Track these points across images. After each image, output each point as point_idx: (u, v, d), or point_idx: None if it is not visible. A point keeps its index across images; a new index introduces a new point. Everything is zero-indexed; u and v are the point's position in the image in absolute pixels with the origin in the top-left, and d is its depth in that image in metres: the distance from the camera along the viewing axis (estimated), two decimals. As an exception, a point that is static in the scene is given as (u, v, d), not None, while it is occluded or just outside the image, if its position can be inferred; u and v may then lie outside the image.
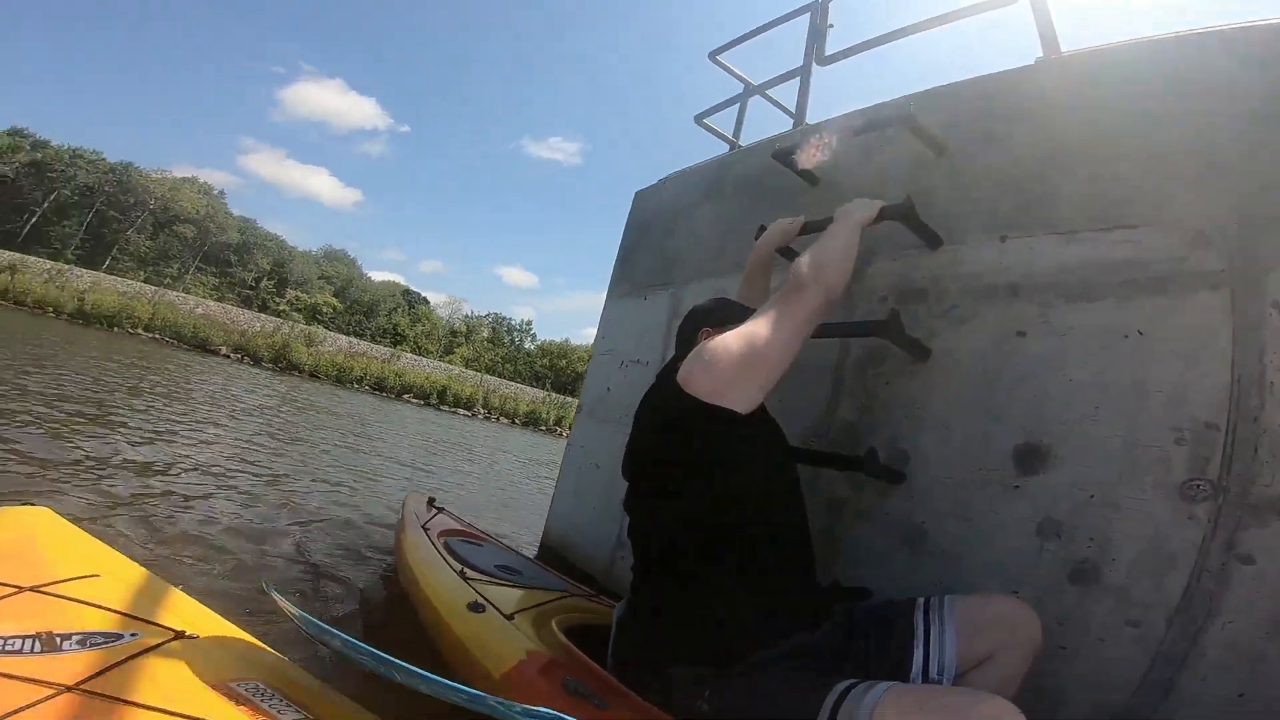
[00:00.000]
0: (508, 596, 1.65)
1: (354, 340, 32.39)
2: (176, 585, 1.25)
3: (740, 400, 1.23)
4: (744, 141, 3.04)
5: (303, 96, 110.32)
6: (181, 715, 0.81)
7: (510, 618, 1.51)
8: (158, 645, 0.97)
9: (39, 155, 45.43)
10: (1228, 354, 1.22)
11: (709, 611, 1.22)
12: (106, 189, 46.50)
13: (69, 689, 0.81)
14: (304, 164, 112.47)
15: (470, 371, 36.55)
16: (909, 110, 1.72)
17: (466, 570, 1.83)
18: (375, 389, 24.16)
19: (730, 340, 1.24)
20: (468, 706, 0.97)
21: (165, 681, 0.89)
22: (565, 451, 3.20)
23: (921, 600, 1.30)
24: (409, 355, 35.06)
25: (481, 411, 26.85)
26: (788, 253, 1.88)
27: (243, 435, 5.80)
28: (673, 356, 1.54)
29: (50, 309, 19.42)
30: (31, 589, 1.04)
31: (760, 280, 1.83)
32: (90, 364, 8.41)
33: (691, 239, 2.72)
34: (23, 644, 0.89)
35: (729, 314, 1.47)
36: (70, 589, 1.08)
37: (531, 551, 3.00)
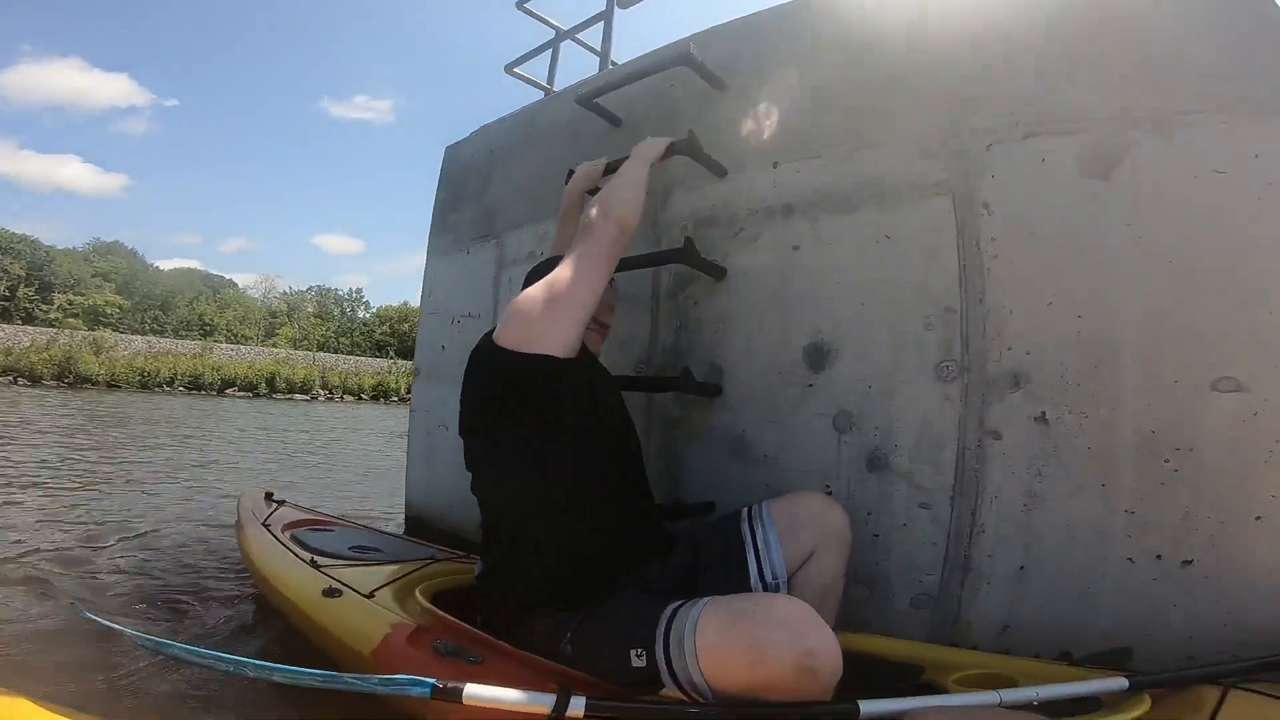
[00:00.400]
0: (365, 576, 1.64)
1: (153, 339, 28.49)
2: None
3: (553, 343, 1.28)
4: (558, 87, 3.03)
5: (27, 80, 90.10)
6: None
7: (370, 595, 1.51)
8: None
9: None
10: (954, 246, 1.45)
11: (556, 559, 1.29)
12: None
13: None
14: (45, 153, 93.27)
15: (300, 352, 33.63)
16: (688, 49, 1.81)
17: (317, 558, 1.78)
18: (191, 388, 21.72)
19: (534, 290, 1.31)
20: (326, 687, 0.99)
21: None
22: (410, 419, 3.12)
23: (745, 510, 1.44)
24: (225, 345, 31.57)
25: (321, 393, 25.10)
26: (595, 190, 1.95)
27: (44, 461, 5.06)
28: None
29: None
30: None
31: (574, 223, 1.87)
32: None
33: (510, 188, 2.69)
34: None
35: (549, 269, 1.52)
36: None
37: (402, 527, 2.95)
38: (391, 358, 36.59)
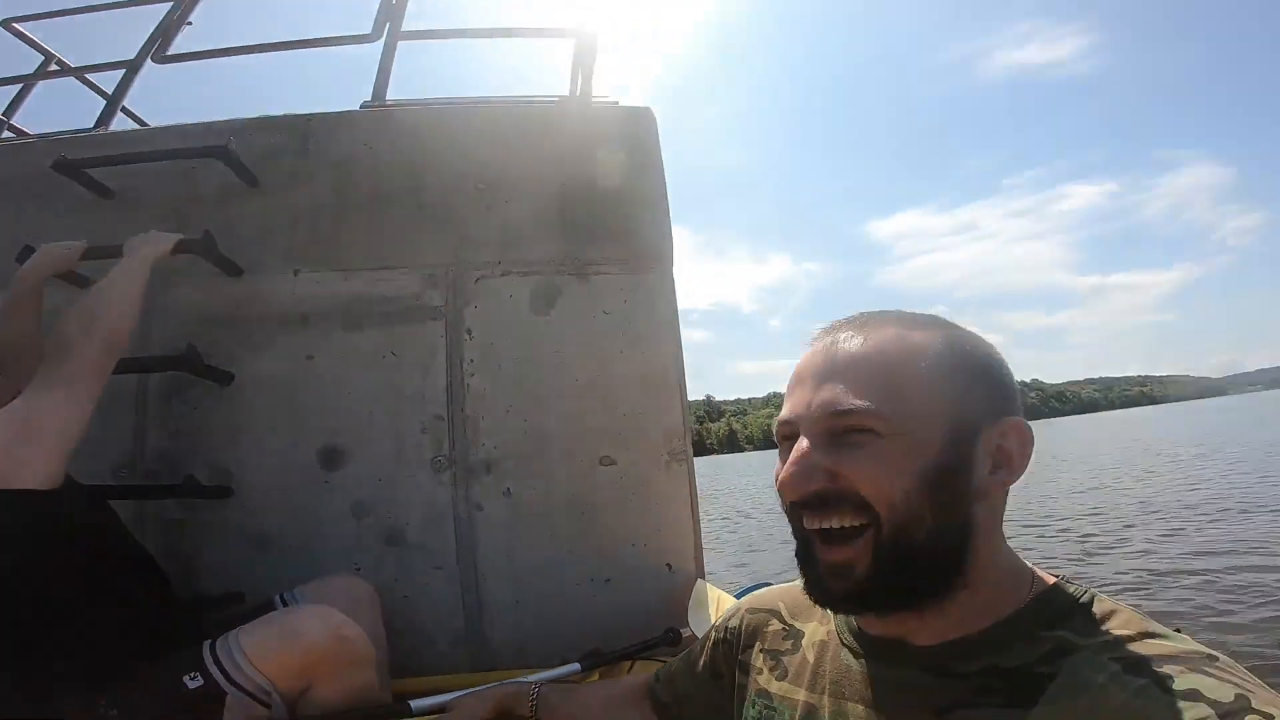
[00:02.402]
0: None
1: None
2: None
3: (40, 477, 1.20)
4: (22, 126, 2.42)
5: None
6: None
7: None
8: None
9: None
10: (444, 365, 1.81)
11: (75, 650, 1.22)
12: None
13: None
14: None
15: None
16: (227, 145, 1.75)
17: None
18: None
19: (6, 421, 1.20)
20: None
21: None
22: None
23: (278, 596, 1.52)
24: None
25: None
26: (70, 277, 1.69)
27: None
28: None
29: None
30: None
31: (30, 309, 1.53)
32: None
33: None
34: None
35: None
36: None
37: None
38: None
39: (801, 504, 0.58)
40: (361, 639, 1.27)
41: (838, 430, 0.56)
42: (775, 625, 0.77)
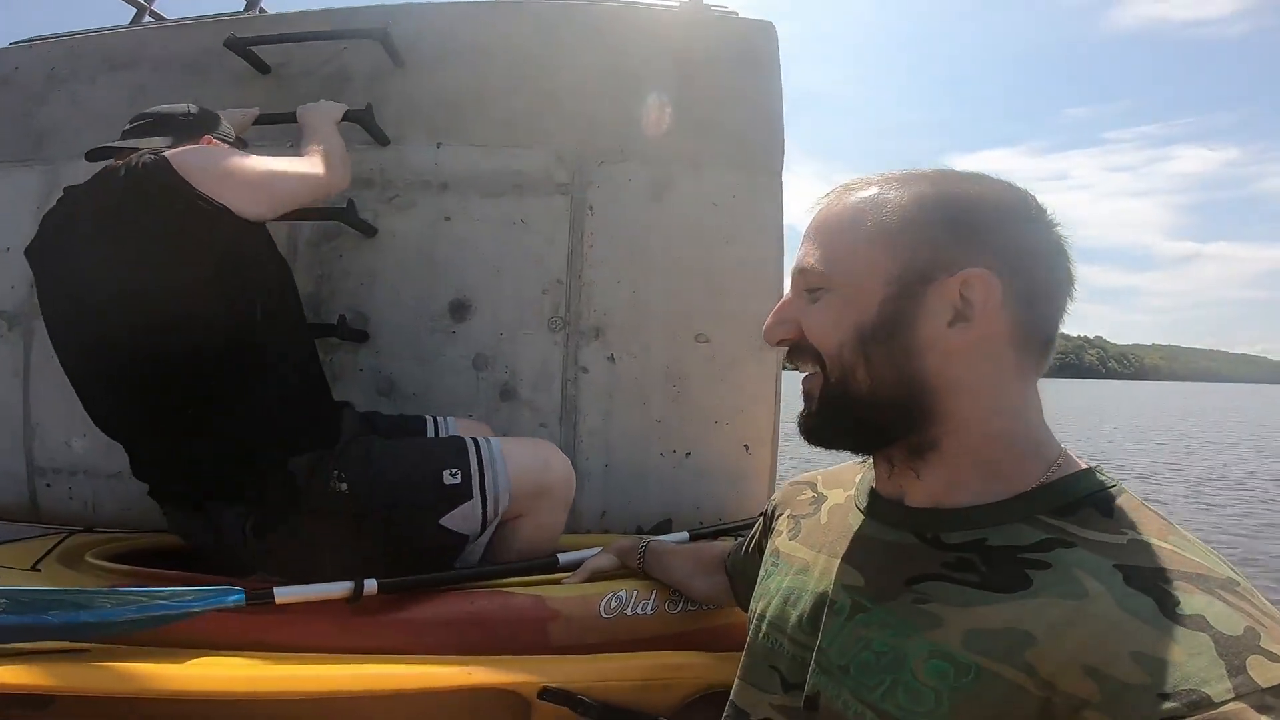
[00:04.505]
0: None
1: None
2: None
3: (240, 202, 1.19)
4: (165, 10, 2.61)
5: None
6: None
7: (34, 569, 1.29)
8: None
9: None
10: (566, 235, 1.97)
11: (291, 399, 1.27)
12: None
13: None
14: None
15: None
16: (385, 27, 1.92)
17: None
18: None
19: (255, 160, 1.30)
20: (142, 616, 0.94)
21: None
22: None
23: (431, 417, 1.69)
24: None
25: None
26: (237, 142, 1.92)
27: None
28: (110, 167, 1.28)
29: None
30: None
31: None
32: None
33: (81, 111, 2.28)
34: None
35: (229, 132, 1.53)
36: None
37: None
38: None
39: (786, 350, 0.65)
40: (573, 482, 1.39)
41: (805, 286, 0.62)
42: (807, 494, 0.80)
